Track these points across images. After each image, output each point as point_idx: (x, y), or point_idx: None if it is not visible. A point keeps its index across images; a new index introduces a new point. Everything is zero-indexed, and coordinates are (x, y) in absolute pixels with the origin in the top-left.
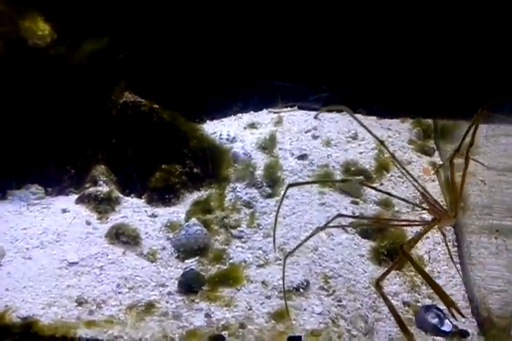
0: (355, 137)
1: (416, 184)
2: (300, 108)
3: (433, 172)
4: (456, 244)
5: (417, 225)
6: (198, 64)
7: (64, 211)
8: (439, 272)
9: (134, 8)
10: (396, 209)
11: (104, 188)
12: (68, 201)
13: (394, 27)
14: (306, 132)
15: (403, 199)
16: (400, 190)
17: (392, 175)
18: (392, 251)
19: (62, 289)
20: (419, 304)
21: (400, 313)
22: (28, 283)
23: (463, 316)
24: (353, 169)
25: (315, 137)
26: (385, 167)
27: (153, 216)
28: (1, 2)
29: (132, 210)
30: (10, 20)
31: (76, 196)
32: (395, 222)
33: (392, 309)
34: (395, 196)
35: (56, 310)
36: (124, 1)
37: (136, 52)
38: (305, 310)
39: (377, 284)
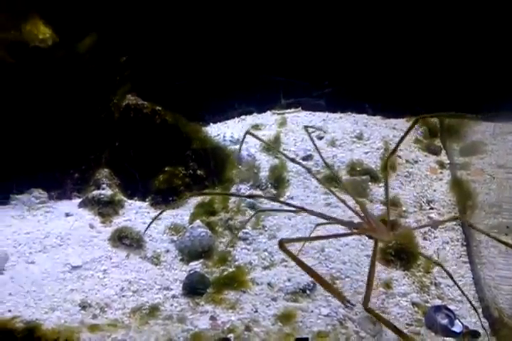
0: (360, 137)
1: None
2: (304, 108)
3: (440, 171)
4: (465, 243)
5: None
6: (199, 65)
7: (67, 215)
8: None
9: (137, 11)
10: (404, 208)
11: (107, 191)
12: (71, 205)
13: (402, 25)
14: (310, 133)
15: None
16: (407, 188)
17: (398, 175)
18: (400, 252)
19: (66, 293)
20: (428, 304)
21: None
22: (31, 288)
23: (352, 305)
24: (358, 169)
25: (320, 137)
26: (391, 166)
27: (157, 218)
28: (3, 7)
29: (136, 213)
30: (12, 24)
31: (79, 200)
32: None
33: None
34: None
35: (59, 314)
36: (126, 4)
37: (137, 55)
38: (312, 311)
39: (281, 245)
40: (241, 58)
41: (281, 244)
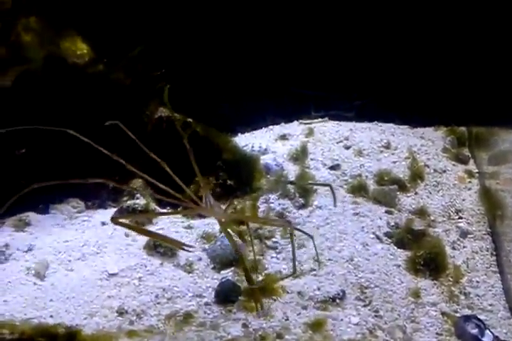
0: (387, 146)
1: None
2: (331, 118)
3: (468, 180)
4: (494, 252)
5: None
6: (228, 77)
7: (103, 224)
8: (477, 282)
9: (169, 27)
10: (432, 218)
11: (141, 201)
12: (107, 214)
13: (432, 37)
14: (337, 142)
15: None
16: (436, 198)
17: (426, 184)
18: (429, 261)
19: (103, 300)
20: (457, 314)
21: None
22: (70, 294)
23: (191, 246)
24: (386, 179)
25: (347, 147)
26: (420, 176)
27: (189, 227)
28: (42, 23)
29: (168, 222)
30: (50, 40)
31: (114, 209)
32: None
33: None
34: None
35: (98, 320)
36: (159, 20)
37: (169, 68)
38: (342, 320)
39: (113, 219)
40: (271, 71)
41: (114, 220)
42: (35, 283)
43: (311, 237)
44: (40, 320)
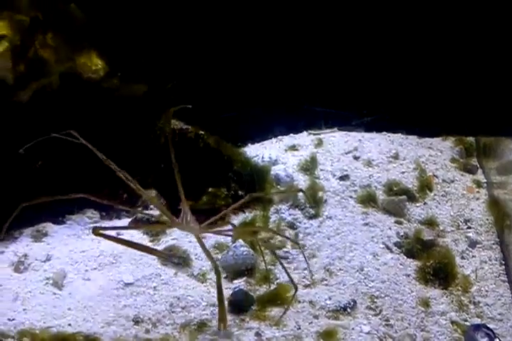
0: (396, 157)
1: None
2: (340, 129)
3: (477, 190)
4: (503, 262)
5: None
6: (238, 90)
7: (118, 234)
8: (487, 291)
9: (181, 39)
10: (441, 228)
11: (154, 212)
12: (121, 224)
13: (437, 49)
14: (346, 153)
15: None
16: (444, 208)
17: (435, 194)
18: (439, 271)
19: (120, 309)
20: (467, 323)
21: None
22: (88, 303)
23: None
24: (395, 189)
25: (356, 158)
26: (428, 186)
27: (202, 237)
28: (59, 40)
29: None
30: (67, 56)
31: (129, 219)
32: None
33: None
34: None
35: (115, 328)
36: (171, 32)
37: (180, 79)
38: (353, 329)
39: (95, 231)
40: (284, 86)
41: (95, 231)
42: (54, 293)
43: (299, 246)
44: (58, 329)
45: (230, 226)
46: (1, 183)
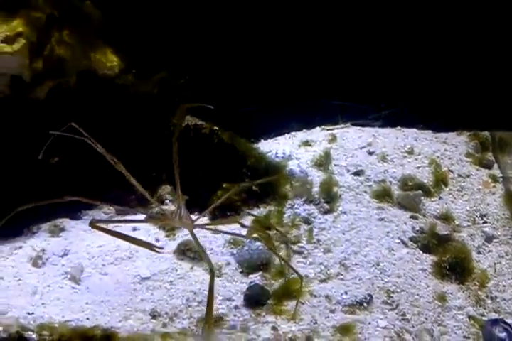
0: (411, 152)
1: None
2: (354, 124)
3: (493, 185)
4: None
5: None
6: (252, 85)
7: (134, 229)
8: (504, 286)
9: (194, 36)
10: (457, 223)
11: (170, 207)
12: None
13: (452, 44)
14: (361, 148)
15: None
16: (460, 203)
17: (451, 189)
18: (455, 266)
19: (137, 303)
20: (484, 318)
21: None
22: (105, 297)
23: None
24: (410, 184)
25: (370, 153)
26: (444, 181)
27: (217, 232)
28: (74, 37)
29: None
30: (82, 53)
31: (144, 215)
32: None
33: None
34: None
35: (132, 322)
36: (182, 29)
37: (193, 75)
38: (369, 323)
39: (93, 224)
40: (300, 80)
41: (92, 224)
42: (72, 287)
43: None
44: (77, 323)
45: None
46: (18, 179)
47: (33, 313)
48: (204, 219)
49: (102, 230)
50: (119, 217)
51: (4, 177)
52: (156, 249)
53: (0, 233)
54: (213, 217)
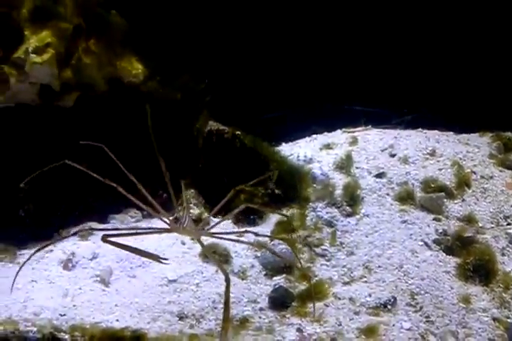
0: (433, 153)
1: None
2: (375, 127)
3: None
4: None
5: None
6: (279, 91)
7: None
8: None
9: (214, 39)
10: (480, 224)
11: (194, 210)
12: (162, 223)
13: (472, 48)
14: (382, 150)
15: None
16: (483, 204)
17: (473, 191)
18: (479, 268)
19: (165, 305)
20: (509, 320)
21: None
22: (134, 299)
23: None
24: (433, 186)
25: (392, 155)
26: (466, 182)
27: (241, 236)
28: (101, 46)
29: (221, 230)
30: (108, 61)
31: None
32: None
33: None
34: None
35: (160, 324)
36: (208, 35)
37: (215, 79)
38: (394, 325)
39: (104, 238)
40: (323, 88)
41: (104, 239)
42: (102, 289)
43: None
44: (107, 324)
45: (231, 229)
46: (50, 183)
47: (64, 315)
48: (228, 223)
49: (113, 244)
50: (146, 220)
51: (34, 182)
52: (161, 260)
53: (32, 237)
54: (237, 221)
